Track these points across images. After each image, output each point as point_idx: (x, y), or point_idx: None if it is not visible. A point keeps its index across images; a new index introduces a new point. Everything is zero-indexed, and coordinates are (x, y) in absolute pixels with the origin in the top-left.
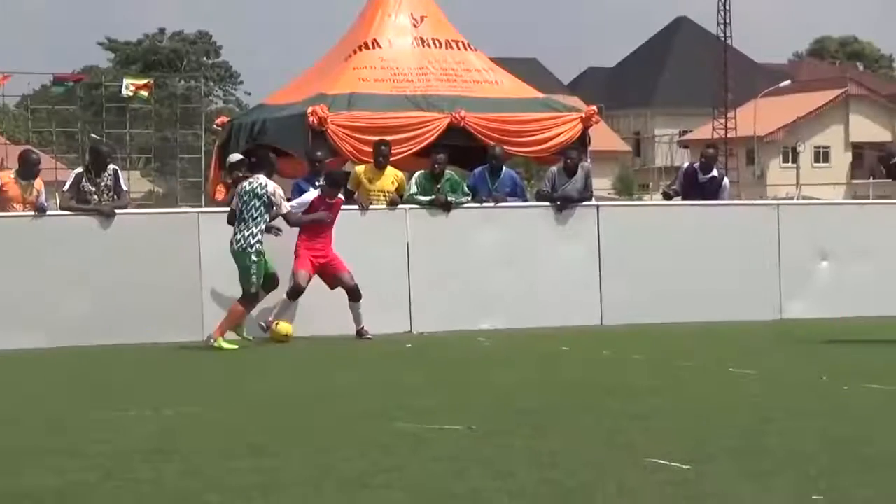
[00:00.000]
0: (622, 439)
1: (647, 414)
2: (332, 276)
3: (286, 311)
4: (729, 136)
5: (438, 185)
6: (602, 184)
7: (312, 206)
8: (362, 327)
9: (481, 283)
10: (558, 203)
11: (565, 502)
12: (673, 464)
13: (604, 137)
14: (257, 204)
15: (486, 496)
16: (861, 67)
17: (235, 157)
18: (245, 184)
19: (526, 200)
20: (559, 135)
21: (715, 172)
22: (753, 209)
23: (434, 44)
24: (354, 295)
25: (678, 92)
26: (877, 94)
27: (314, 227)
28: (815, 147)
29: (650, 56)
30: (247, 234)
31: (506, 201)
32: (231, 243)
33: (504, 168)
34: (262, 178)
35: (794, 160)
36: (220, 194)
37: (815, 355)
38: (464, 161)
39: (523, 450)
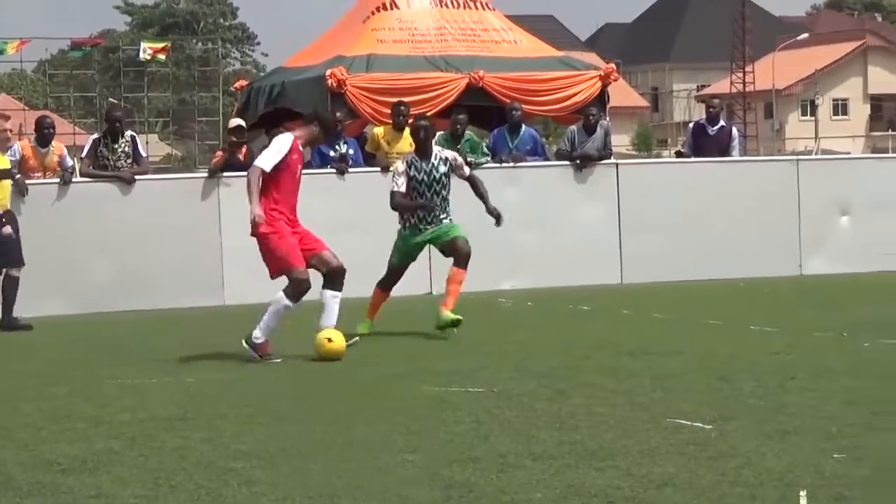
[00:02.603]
0: (643, 399)
1: (668, 373)
2: (308, 255)
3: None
4: (747, 90)
5: (458, 146)
6: (621, 140)
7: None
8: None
9: (502, 244)
10: (578, 162)
11: (587, 463)
12: (694, 423)
13: (622, 93)
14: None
15: (509, 458)
16: (880, 18)
17: (235, 121)
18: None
19: (548, 159)
20: (578, 93)
21: (723, 122)
22: (773, 164)
23: (452, 4)
24: (340, 277)
25: (696, 46)
26: None
27: (289, 186)
28: (834, 100)
29: (667, 11)
30: None
31: (525, 160)
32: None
33: (524, 126)
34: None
35: (813, 113)
36: (216, 159)
37: (836, 311)
38: (483, 121)
39: (545, 411)
